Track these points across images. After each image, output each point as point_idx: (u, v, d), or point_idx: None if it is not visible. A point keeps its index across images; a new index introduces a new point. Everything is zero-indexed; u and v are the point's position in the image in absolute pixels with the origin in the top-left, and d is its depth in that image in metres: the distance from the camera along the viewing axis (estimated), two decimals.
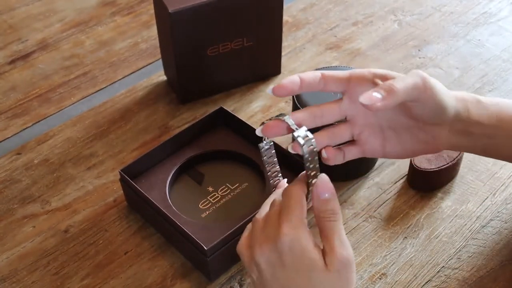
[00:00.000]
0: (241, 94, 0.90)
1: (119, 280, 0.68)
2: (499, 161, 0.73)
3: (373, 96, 0.48)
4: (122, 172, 0.71)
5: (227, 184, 0.74)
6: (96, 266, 0.69)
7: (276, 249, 0.48)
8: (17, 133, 0.85)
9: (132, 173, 0.73)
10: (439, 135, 0.55)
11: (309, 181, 0.51)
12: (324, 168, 0.62)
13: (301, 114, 0.52)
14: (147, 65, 0.96)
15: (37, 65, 0.96)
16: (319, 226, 0.50)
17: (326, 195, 0.50)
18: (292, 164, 0.71)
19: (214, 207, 0.72)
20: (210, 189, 0.74)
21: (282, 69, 0.93)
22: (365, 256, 0.69)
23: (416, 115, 0.54)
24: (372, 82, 0.52)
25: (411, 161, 0.74)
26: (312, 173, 0.50)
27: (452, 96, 0.54)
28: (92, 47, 0.99)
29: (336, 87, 0.53)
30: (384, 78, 0.52)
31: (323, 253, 0.49)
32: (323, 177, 0.51)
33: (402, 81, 0.50)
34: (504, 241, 0.70)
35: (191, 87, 0.87)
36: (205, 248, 0.63)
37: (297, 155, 0.55)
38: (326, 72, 0.53)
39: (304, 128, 0.50)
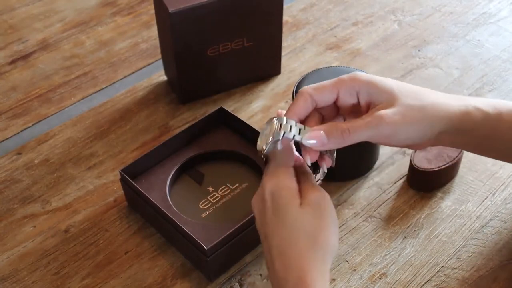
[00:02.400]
0: (241, 94, 0.90)
1: (119, 280, 0.68)
2: (499, 161, 0.73)
3: (320, 137, 0.51)
4: (122, 172, 0.71)
5: (227, 184, 0.74)
6: (96, 266, 0.69)
7: (262, 199, 0.53)
8: (18, 133, 0.86)
9: (132, 173, 0.73)
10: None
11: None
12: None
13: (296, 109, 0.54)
14: (147, 65, 0.96)
15: (37, 65, 0.96)
16: (296, 171, 0.54)
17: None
18: None
19: (214, 207, 0.72)
20: (210, 189, 0.74)
21: (282, 69, 0.93)
22: (365, 255, 0.69)
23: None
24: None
25: (410, 161, 0.74)
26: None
27: (440, 117, 0.53)
28: (93, 47, 0.99)
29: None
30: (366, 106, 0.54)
31: (300, 194, 0.52)
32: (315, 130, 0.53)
33: (360, 126, 0.51)
34: (504, 241, 0.70)
35: (191, 87, 0.87)
36: (205, 248, 0.63)
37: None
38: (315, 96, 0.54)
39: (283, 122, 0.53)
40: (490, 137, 0.56)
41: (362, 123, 0.51)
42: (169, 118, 0.86)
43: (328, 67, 0.78)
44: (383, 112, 0.51)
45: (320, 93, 0.54)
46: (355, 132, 0.51)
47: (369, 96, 0.53)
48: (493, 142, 0.57)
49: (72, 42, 1.00)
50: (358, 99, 0.54)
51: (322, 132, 0.51)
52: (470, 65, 0.94)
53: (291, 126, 0.52)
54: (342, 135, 0.51)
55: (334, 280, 0.67)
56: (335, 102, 0.55)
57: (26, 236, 0.72)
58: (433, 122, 0.53)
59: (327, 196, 0.53)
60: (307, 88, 0.54)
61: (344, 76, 0.54)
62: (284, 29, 0.95)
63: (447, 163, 0.73)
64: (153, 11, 0.95)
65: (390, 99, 0.52)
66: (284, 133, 0.52)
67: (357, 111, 0.55)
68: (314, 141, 0.51)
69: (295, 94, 0.73)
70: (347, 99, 0.54)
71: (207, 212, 0.72)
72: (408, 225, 0.72)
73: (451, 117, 0.53)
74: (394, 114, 0.51)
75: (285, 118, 0.53)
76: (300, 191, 0.53)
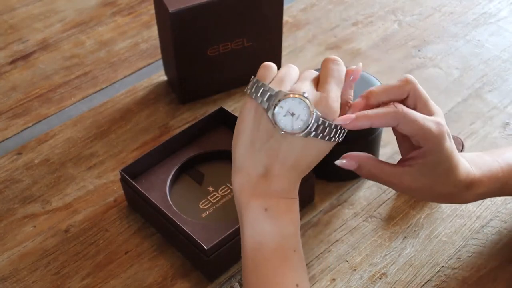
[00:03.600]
0: (241, 94, 0.90)
1: (119, 279, 0.68)
2: None
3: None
4: (122, 172, 0.71)
5: (227, 184, 0.74)
6: (96, 266, 0.69)
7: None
8: (18, 133, 0.86)
9: (133, 173, 0.73)
10: None
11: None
12: (322, 169, 0.62)
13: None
14: (147, 65, 0.96)
15: (37, 65, 0.96)
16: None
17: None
18: None
19: (214, 207, 0.72)
20: (210, 189, 0.74)
21: None
22: (365, 255, 0.69)
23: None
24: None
25: None
26: None
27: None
28: (93, 47, 0.99)
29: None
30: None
31: None
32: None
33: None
34: (504, 241, 0.70)
35: (191, 87, 0.87)
36: (205, 248, 0.63)
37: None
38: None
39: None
40: (501, 192, 0.62)
41: (383, 174, 0.55)
42: (169, 118, 0.86)
43: None
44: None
45: (408, 127, 0.53)
46: (374, 174, 0.56)
47: (427, 154, 0.54)
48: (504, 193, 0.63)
49: (72, 42, 1.00)
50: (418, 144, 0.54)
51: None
52: (470, 65, 0.94)
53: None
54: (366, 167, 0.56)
55: (334, 280, 0.67)
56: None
57: (26, 236, 0.72)
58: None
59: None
60: (402, 110, 0.53)
61: (434, 129, 0.53)
62: (284, 29, 0.95)
63: None
64: (153, 11, 0.95)
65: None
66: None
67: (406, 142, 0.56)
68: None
69: None
70: (413, 141, 0.55)
71: (207, 212, 0.72)
72: (408, 225, 0.72)
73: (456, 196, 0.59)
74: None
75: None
76: None
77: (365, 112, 0.52)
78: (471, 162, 0.58)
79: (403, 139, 0.56)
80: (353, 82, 0.56)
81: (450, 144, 0.54)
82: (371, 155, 0.56)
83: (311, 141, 0.51)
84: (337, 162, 0.56)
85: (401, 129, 0.53)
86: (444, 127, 0.54)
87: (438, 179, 0.55)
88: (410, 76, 0.55)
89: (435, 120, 0.53)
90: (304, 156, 0.51)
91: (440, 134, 0.53)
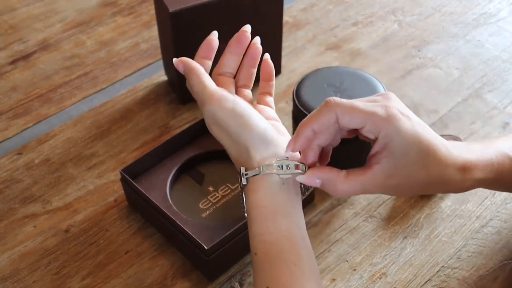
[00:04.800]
0: None
1: (120, 279, 0.68)
2: None
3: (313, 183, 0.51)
4: (122, 172, 0.71)
5: (228, 184, 0.74)
6: (96, 266, 0.69)
7: None
8: (18, 133, 0.86)
9: (133, 173, 0.73)
10: None
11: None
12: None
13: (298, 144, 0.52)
14: (147, 65, 0.96)
15: (38, 65, 0.96)
16: None
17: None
18: None
19: (214, 207, 0.72)
20: (211, 189, 0.74)
21: (282, 69, 0.93)
22: (365, 255, 0.69)
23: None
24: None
25: None
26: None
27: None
28: (93, 47, 0.99)
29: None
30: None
31: None
32: None
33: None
34: (504, 240, 0.70)
35: None
36: (205, 248, 0.63)
37: None
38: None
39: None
40: (493, 187, 0.58)
41: (357, 187, 0.51)
42: (169, 118, 0.86)
43: (328, 67, 0.78)
44: (387, 182, 0.50)
45: (347, 118, 0.50)
46: (349, 192, 0.51)
47: (387, 147, 0.49)
48: (495, 188, 0.60)
49: (72, 42, 1.00)
50: (376, 139, 0.50)
51: (318, 181, 0.51)
52: (470, 65, 0.94)
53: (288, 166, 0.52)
54: (335, 190, 0.51)
55: (334, 280, 0.67)
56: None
57: (26, 236, 0.72)
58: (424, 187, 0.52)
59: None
60: (335, 107, 0.50)
61: (380, 113, 0.49)
62: (284, 29, 0.95)
63: None
64: (153, 11, 0.95)
65: (397, 165, 0.50)
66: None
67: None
68: (307, 181, 0.52)
69: (295, 96, 0.73)
70: (367, 134, 0.50)
71: (207, 212, 0.72)
72: (408, 225, 0.72)
73: (449, 188, 0.53)
74: (397, 183, 0.50)
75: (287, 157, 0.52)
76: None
77: (304, 120, 0.51)
78: (459, 148, 0.53)
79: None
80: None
81: (412, 125, 0.49)
82: (334, 169, 0.51)
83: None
84: (298, 179, 0.52)
85: (345, 122, 0.49)
86: (393, 109, 0.49)
87: (415, 166, 0.49)
88: (329, 98, 0.51)
89: (381, 104, 0.49)
90: None
91: (390, 116, 0.48)
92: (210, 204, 0.73)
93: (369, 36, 1.00)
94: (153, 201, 0.68)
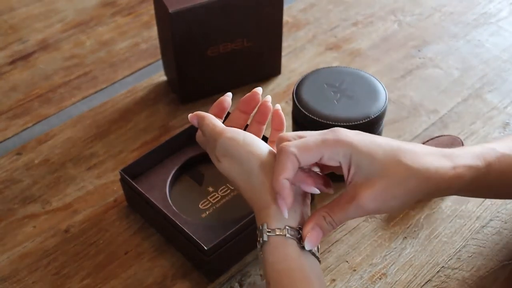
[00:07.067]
0: (241, 94, 0.89)
1: (119, 280, 0.68)
2: None
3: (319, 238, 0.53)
4: (122, 172, 0.71)
5: (227, 185, 0.74)
6: (96, 266, 0.69)
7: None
8: (18, 133, 0.86)
9: (133, 173, 0.73)
10: None
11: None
12: None
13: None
14: (147, 66, 0.96)
15: (37, 65, 0.96)
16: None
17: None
18: None
19: (214, 207, 0.72)
20: (210, 189, 0.74)
21: (282, 69, 0.93)
22: (365, 256, 0.69)
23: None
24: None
25: None
26: None
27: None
28: (93, 47, 0.99)
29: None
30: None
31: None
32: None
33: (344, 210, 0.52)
34: (504, 241, 0.70)
35: (191, 87, 0.87)
36: (205, 248, 0.63)
37: None
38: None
39: None
40: (479, 189, 0.58)
41: (343, 216, 0.52)
42: (169, 118, 0.86)
43: (328, 67, 0.78)
44: (362, 200, 0.50)
45: (305, 154, 0.51)
46: (340, 221, 0.52)
47: (352, 163, 0.51)
48: (482, 192, 0.60)
49: (72, 42, 1.00)
50: (340, 163, 0.52)
51: (320, 234, 0.52)
52: (470, 65, 0.94)
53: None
54: (332, 227, 0.52)
55: (334, 280, 0.67)
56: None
57: (26, 236, 0.72)
58: (418, 194, 0.52)
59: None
60: (291, 147, 0.51)
61: (329, 137, 0.51)
62: (284, 29, 0.95)
63: None
64: (153, 11, 0.95)
65: (372, 173, 0.50)
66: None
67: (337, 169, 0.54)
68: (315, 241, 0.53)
69: (295, 96, 0.73)
70: (331, 162, 0.52)
71: (207, 212, 0.72)
72: (408, 225, 0.72)
73: (439, 185, 0.52)
74: (374, 199, 0.50)
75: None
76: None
77: (274, 177, 0.52)
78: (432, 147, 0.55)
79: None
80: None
81: (363, 136, 0.51)
82: (320, 217, 0.52)
83: None
84: (307, 247, 0.53)
85: (306, 160, 0.51)
86: (340, 131, 0.51)
87: (390, 169, 0.50)
88: (282, 144, 0.52)
89: (329, 133, 0.52)
90: None
91: (339, 137, 0.51)
92: (210, 204, 0.72)
93: (369, 36, 1.00)
94: (153, 201, 0.68)
